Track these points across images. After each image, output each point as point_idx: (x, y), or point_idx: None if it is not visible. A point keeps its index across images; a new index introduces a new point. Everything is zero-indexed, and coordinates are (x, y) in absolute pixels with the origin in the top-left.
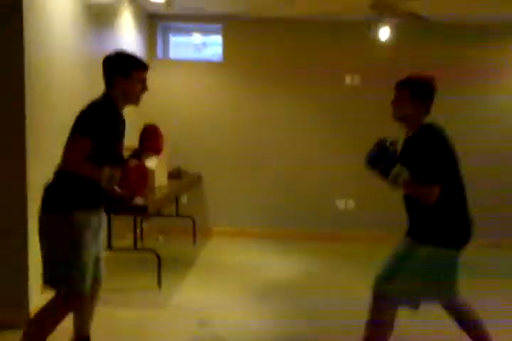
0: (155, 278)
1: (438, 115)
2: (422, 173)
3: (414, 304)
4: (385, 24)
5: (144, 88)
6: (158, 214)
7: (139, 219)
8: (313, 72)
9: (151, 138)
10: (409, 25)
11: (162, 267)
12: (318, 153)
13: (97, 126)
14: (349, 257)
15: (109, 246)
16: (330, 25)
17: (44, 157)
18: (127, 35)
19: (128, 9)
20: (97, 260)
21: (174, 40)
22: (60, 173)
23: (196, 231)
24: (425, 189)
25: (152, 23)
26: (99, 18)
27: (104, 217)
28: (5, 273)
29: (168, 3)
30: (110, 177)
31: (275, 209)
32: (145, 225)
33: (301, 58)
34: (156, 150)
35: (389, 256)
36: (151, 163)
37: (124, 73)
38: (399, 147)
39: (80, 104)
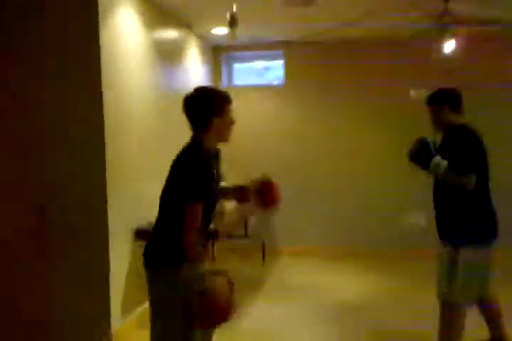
0: None
1: None
2: (461, 164)
3: (471, 303)
4: (449, 37)
5: (233, 122)
6: (229, 236)
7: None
8: (377, 91)
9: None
10: (473, 36)
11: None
12: (384, 171)
13: (202, 183)
14: (419, 276)
15: None
16: (390, 42)
17: (122, 196)
18: (194, 67)
19: (194, 43)
20: None
21: (237, 67)
22: (165, 228)
23: (265, 251)
24: (465, 177)
25: (216, 54)
26: (169, 54)
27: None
28: (87, 300)
29: (231, 35)
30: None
31: (343, 227)
32: (215, 246)
33: (361, 77)
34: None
35: (439, 265)
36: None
37: (219, 112)
38: (436, 145)
39: (153, 137)
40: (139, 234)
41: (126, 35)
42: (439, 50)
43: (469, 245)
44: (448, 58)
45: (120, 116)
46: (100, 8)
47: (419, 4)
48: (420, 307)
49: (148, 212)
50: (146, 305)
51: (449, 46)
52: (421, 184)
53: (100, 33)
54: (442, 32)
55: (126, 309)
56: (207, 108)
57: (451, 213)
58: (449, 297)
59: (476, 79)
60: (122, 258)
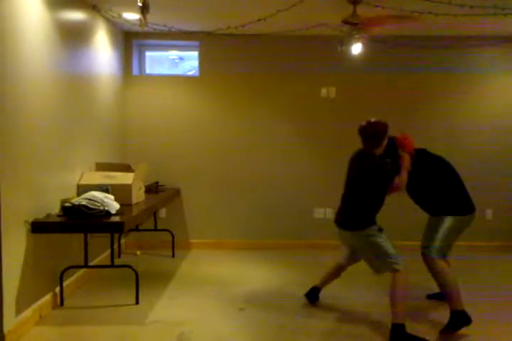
0: (133, 294)
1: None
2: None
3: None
4: (356, 39)
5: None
6: (137, 228)
7: (116, 235)
8: (290, 86)
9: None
10: (380, 39)
11: (141, 282)
12: (295, 164)
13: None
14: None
15: (86, 264)
16: (305, 39)
17: (17, 186)
18: (102, 53)
19: (103, 27)
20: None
21: (150, 55)
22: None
23: (175, 244)
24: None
25: (128, 40)
26: (73, 37)
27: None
28: None
29: (141, 23)
30: None
31: (252, 220)
32: (123, 240)
33: (276, 72)
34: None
35: (425, 230)
36: (128, 178)
37: (386, 136)
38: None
39: (53, 124)
40: (36, 227)
41: (24, 15)
42: (347, 51)
43: (453, 215)
44: (355, 59)
45: (15, 102)
46: None
47: (330, 6)
48: (328, 296)
49: (46, 204)
50: (44, 300)
51: (356, 48)
52: (330, 181)
53: None
54: (351, 34)
55: (22, 305)
56: (380, 136)
57: (434, 199)
58: (428, 252)
59: (379, 79)
60: (17, 251)
